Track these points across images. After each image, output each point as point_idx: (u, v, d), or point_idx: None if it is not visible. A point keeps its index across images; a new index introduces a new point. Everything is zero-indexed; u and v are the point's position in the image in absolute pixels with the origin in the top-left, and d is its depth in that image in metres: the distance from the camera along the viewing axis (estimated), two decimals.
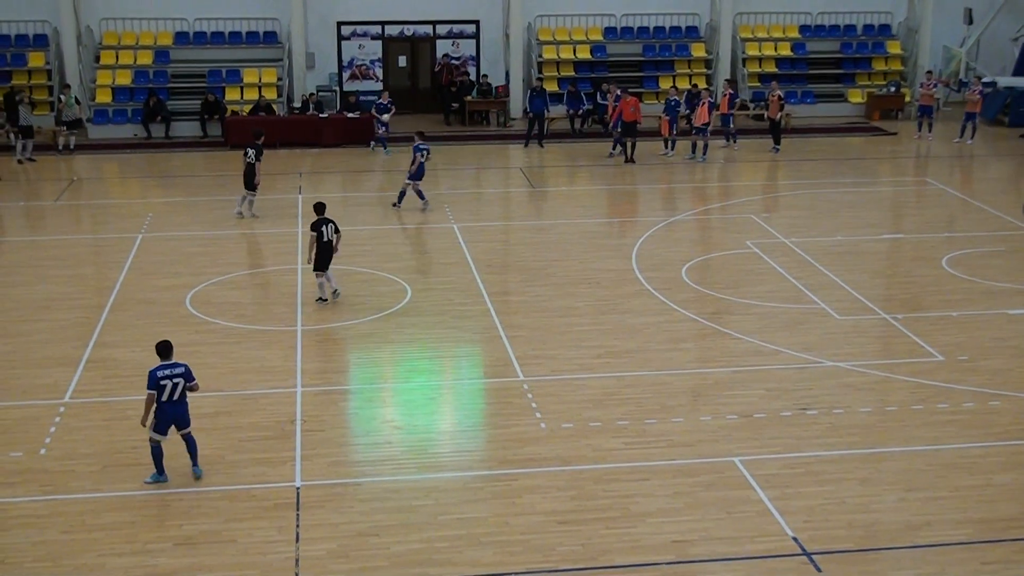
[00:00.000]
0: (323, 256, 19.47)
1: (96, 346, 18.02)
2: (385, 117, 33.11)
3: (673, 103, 32.79)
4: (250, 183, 25.35)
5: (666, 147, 32.72)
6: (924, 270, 22.00)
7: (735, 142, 33.50)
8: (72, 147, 33.24)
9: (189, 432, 13.56)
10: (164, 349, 13.58)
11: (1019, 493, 13.38)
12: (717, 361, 17.52)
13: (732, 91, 34.01)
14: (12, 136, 32.54)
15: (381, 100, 33.56)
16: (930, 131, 35.19)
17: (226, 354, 17.67)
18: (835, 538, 12.39)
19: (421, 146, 25.86)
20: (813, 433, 14.95)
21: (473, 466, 14.29)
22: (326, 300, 19.77)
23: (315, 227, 19.51)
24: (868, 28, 40.48)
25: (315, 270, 19.57)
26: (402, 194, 26.27)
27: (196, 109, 35.70)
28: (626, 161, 31.62)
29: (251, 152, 25.37)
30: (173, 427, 13.40)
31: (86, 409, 15.68)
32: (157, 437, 13.35)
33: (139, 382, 16.46)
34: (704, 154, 32.34)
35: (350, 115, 34.94)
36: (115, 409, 15.65)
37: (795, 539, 12.36)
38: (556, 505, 13.10)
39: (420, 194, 26.11)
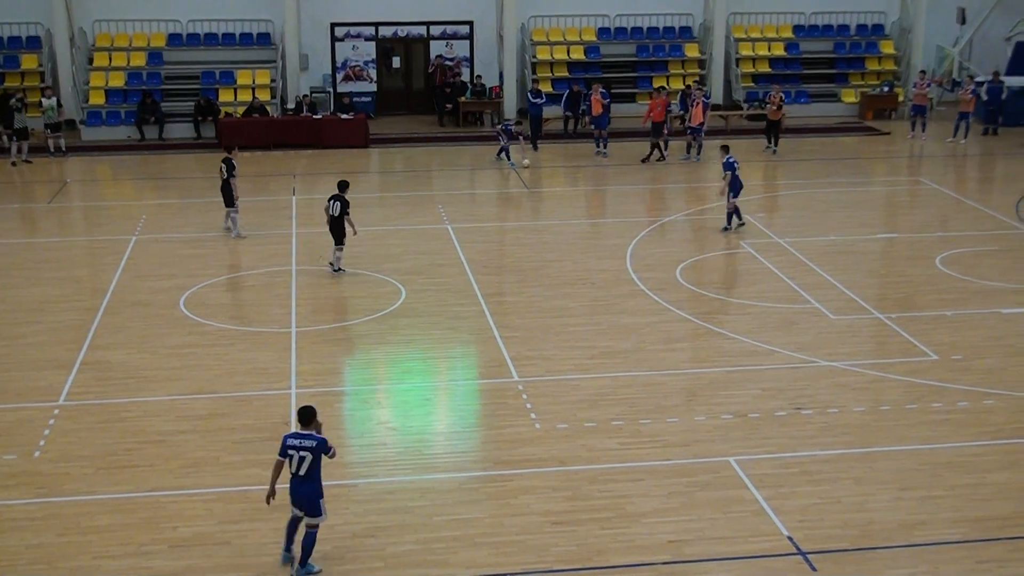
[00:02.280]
0: (331, 229, 21.36)
1: (90, 348, 18.02)
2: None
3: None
4: (229, 200, 24.45)
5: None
6: (918, 269, 22.04)
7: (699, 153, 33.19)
8: (64, 149, 33.20)
9: (315, 527, 11.71)
10: (303, 415, 11.73)
11: (1014, 492, 13.41)
12: (712, 361, 17.55)
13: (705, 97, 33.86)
14: (6, 138, 32.55)
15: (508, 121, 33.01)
16: (924, 131, 35.24)
17: (220, 356, 17.67)
18: (830, 537, 12.41)
19: (734, 161, 24.27)
20: (808, 433, 14.97)
21: (468, 467, 14.30)
22: (336, 270, 21.52)
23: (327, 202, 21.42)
24: (861, 28, 40.55)
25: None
26: (731, 215, 24.56)
27: (190, 111, 35.68)
28: (658, 159, 31.96)
29: (224, 168, 24.37)
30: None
31: (80, 411, 15.66)
32: (293, 510, 11.77)
33: (133, 384, 16.58)
34: (699, 154, 32.40)
35: (344, 116, 34.95)
36: (109, 411, 15.64)
37: (790, 538, 12.38)
38: (551, 506, 13.12)
39: (738, 213, 24.53)
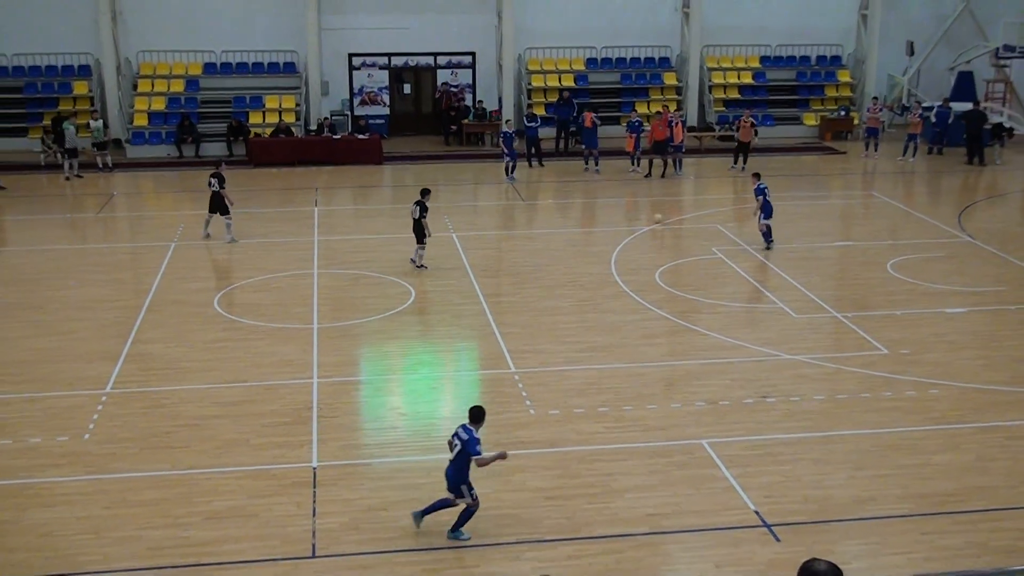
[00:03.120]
0: (414, 230, 21.96)
1: (134, 342, 18.01)
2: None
3: (636, 123, 32.89)
4: (224, 209, 24.39)
5: (633, 164, 32.80)
6: (871, 273, 22.05)
7: (678, 167, 33.18)
8: (111, 165, 33.18)
9: (450, 500, 11.82)
10: (473, 413, 11.76)
11: (955, 471, 13.43)
12: (687, 355, 17.55)
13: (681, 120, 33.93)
14: (59, 156, 32.55)
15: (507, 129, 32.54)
16: (876, 150, 35.25)
17: (249, 349, 17.67)
18: (792, 511, 12.43)
19: (765, 187, 23.61)
20: (772, 418, 14.98)
21: None
22: (419, 266, 21.91)
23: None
24: (821, 59, 40.58)
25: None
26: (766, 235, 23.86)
27: (223, 131, 35.69)
28: (662, 176, 31.89)
29: (213, 181, 24.35)
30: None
31: (125, 398, 15.67)
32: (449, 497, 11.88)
33: (173, 375, 16.57)
34: (678, 168, 32.43)
35: (360, 136, 34.96)
36: (151, 398, 15.64)
37: (757, 512, 12.39)
38: (544, 483, 13.13)
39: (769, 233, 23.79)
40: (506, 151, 31.64)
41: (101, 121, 33.77)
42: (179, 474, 13.38)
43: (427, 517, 12.00)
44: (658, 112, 34.38)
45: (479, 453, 11.56)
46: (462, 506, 11.83)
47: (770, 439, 14.35)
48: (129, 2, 36.54)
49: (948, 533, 12.01)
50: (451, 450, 11.77)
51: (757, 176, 24.30)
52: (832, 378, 16.48)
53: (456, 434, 11.76)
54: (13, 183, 30.97)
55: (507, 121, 33.26)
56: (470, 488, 11.80)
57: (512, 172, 31.56)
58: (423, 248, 22.02)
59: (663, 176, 31.91)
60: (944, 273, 21.92)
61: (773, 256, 22.92)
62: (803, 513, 12.41)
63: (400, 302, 20.08)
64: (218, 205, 24.47)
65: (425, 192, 22.39)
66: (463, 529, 11.89)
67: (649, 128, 33.19)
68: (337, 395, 15.91)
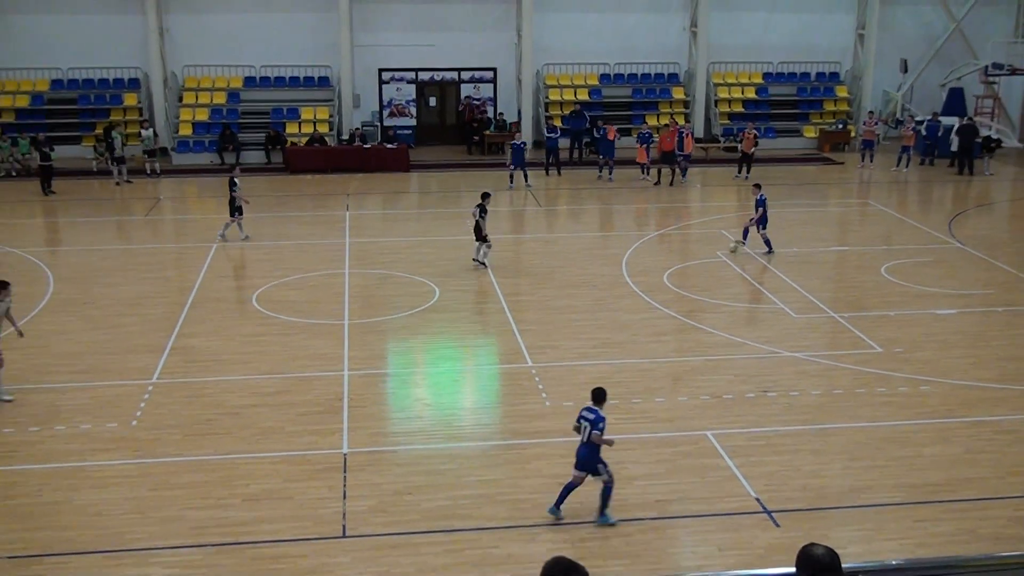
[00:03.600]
0: (475, 230, 22.18)
1: (178, 336, 18.08)
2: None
3: (646, 135, 32.83)
4: (233, 210, 24.62)
5: (643, 172, 32.71)
6: (866, 276, 21.93)
7: (683, 175, 33.07)
8: (159, 172, 33.32)
9: (574, 483, 11.89)
10: (595, 395, 11.97)
11: (945, 463, 13.35)
12: (693, 351, 17.50)
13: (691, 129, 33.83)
14: (110, 162, 32.70)
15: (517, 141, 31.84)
16: (871, 161, 35.07)
17: (285, 343, 17.70)
18: (790, 499, 12.38)
19: (765, 199, 23.19)
20: (772, 411, 14.92)
21: (490, 437, 14.31)
22: (480, 264, 22.02)
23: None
24: (820, 75, 40.40)
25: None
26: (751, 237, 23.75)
27: (261, 140, 35.79)
28: (670, 184, 31.78)
29: (230, 185, 24.70)
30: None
31: (170, 388, 15.73)
32: (574, 472, 11.91)
33: (214, 366, 16.61)
34: (684, 176, 32.36)
35: (389, 146, 34.99)
36: (194, 388, 15.70)
37: (757, 499, 12.34)
38: (559, 470, 13.06)
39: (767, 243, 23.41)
40: (511, 162, 31.40)
41: (152, 130, 33.95)
42: (219, 459, 13.42)
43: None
44: (666, 124, 34.34)
45: (601, 431, 11.66)
46: (599, 488, 11.80)
47: (770, 431, 14.29)
48: (176, 20, 36.69)
49: (939, 521, 11.94)
50: (580, 433, 11.81)
51: (758, 187, 23.92)
52: (829, 374, 16.39)
53: (582, 416, 11.83)
54: (67, 188, 31.13)
55: (516, 134, 33.02)
56: (604, 465, 11.79)
57: (512, 182, 31.35)
58: (488, 246, 22.17)
59: (671, 184, 31.81)
60: (935, 277, 21.78)
61: (774, 259, 22.82)
62: (801, 500, 12.35)
63: (425, 300, 20.09)
64: (230, 206, 24.75)
65: (485, 195, 22.43)
66: (608, 512, 11.81)
67: (658, 139, 33.17)
68: (366, 386, 15.92)
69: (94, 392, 15.59)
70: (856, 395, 15.51)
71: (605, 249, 24.68)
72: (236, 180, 24.72)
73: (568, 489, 11.89)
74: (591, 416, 11.75)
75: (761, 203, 23.30)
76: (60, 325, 18.66)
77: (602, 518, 11.84)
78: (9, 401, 15.05)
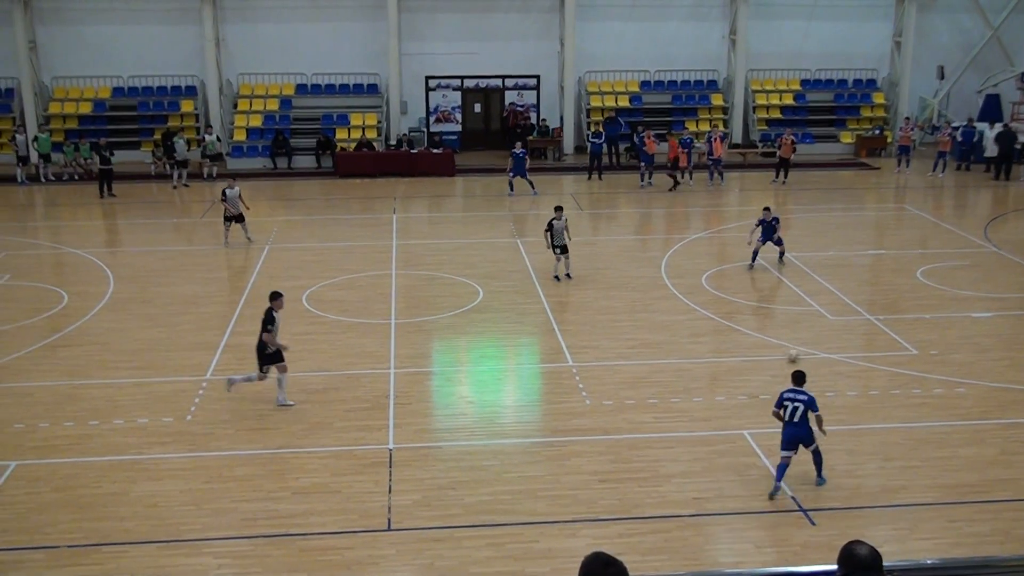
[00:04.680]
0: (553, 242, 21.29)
1: (232, 334, 18.24)
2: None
3: (688, 140, 32.65)
4: (238, 217, 24.71)
5: (684, 176, 32.50)
6: (902, 280, 21.64)
7: (722, 178, 32.90)
8: (215, 175, 33.70)
9: (816, 448, 12.42)
10: (797, 377, 12.51)
11: (979, 464, 13.13)
12: (730, 352, 17.37)
13: (722, 136, 33.53)
14: (169, 167, 33.11)
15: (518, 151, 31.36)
16: (908, 166, 34.63)
17: (334, 341, 17.80)
18: (826, 498, 12.24)
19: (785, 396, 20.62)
20: None
21: (531, 434, 14.29)
22: (557, 279, 21.28)
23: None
24: (857, 82, 39.94)
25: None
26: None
27: (312, 146, 36.02)
28: (670, 189, 31.64)
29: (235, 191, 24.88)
30: (800, 446, 12.33)
31: (223, 385, 15.84)
32: (783, 453, 12.31)
33: None
34: (722, 179, 32.16)
35: (435, 151, 35.08)
36: (247, 385, 15.79)
37: (793, 498, 12.22)
38: (598, 467, 13.06)
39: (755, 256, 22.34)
40: (511, 169, 31.02)
41: (215, 135, 34.40)
42: (270, 453, 13.52)
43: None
44: (669, 133, 33.83)
45: (818, 409, 12.32)
46: (811, 456, 12.51)
47: None
48: (231, 29, 37.06)
49: (974, 521, 11.75)
50: (791, 414, 12.27)
51: (767, 210, 22.17)
52: (864, 376, 16.19)
53: (790, 399, 12.31)
54: (127, 191, 31.56)
55: (517, 144, 32.58)
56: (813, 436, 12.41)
57: (512, 189, 30.99)
58: (562, 258, 21.30)
59: (642, 185, 31.50)
60: (971, 280, 21.45)
61: (811, 263, 22.57)
62: (836, 500, 12.21)
63: (469, 301, 20.11)
64: (225, 215, 24.63)
65: (558, 208, 21.59)
66: (824, 474, 12.56)
67: (701, 145, 32.93)
68: (412, 384, 15.97)
69: (151, 388, 15.77)
70: (891, 396, 15.31)
71: (644, 252, 24.57)
72: (227, 191, 24.60)
73: (782, 470, 12.32)
74: (805, 397, 12.27)
75: (763, 224, 21.92)
76: (119, 323, 18.90)
77: (820, 480, 12.52)
78: (291, 406, 14.99)
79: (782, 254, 22.47)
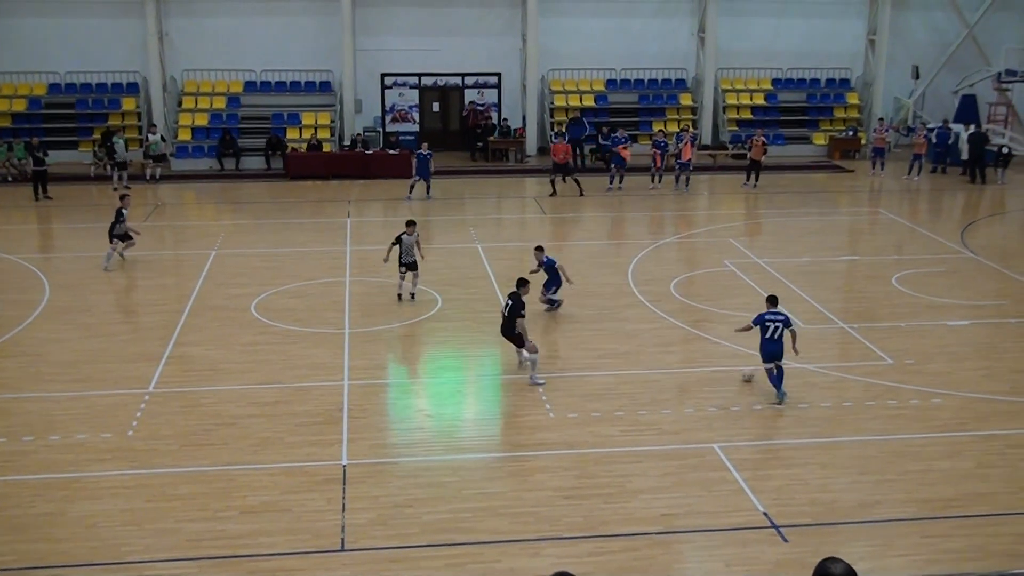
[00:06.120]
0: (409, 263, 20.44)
1: (176, 344, 18.07)
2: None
3: (661, 142, 32.84)
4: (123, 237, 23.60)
5: (652, 181, 32.67)
6: (877, 287, 21.90)
7: (687, 185, 32.93)
8: (158, 177, 33.44)
9: (781, 363, 15.49)
10: (772, 299, 15.97)
11: (956, 478, 13.29)
12: (700, 362, 17.47)
13: (692, 138, 33.65)
14: (109, 168, 32.80)
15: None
16: (882, 169, 35.11)
17: (284, 352, 17.70)
18: (799, 514, 12.33)
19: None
20: (781, 424, 14.89)
21: (492, 449, 14.28)
22: (400, 298, 20.45)
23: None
24: (830, 81, 40.44)
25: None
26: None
27: (262, 146, 35.86)
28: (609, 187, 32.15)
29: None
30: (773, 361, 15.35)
31: (167, 398, 15.70)
32: (766, 365, 15.48)
33: (212, 376, 16.59)
34: (687, 185, 32.36)
35: (391, 152, 35.04)
36: (191, 398, 15.67)
37: (765, 514, 12.30)
38: (562, 483, 13.07)
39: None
40: (416, 172, 30.79)
41: (159, 135, 34.12)
42: (217, 470, 13.40)
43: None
44: (560, 134, 33.94)
45: (792, 325, 15.63)
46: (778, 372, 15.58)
47: (778, 444, 14.27)
48: (175, 23, 36.82)
49: (950, 537, 11.89)
50: (772, 333, 15.39)
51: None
52: (838, 386, 16.35)
53: (771, 320, 15.45)
54: (64, 193, 31.21)
55: (423, 144, 32.38)
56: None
57: (412, 191, 30.78)
58: (408, 275, 20.49)
59: (609, 188, 31.71)
60: (947, 287, 21.75)
61: (783, 269, 22.79)
62: (810, 515, 12.30)
63: (428, 309, 20.07)
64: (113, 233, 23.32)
65: (410, 223, 20.78)
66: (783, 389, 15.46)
67: (670, 147, 33.08)
68: (366, 396, 15.91)
69: (90, 401, 15.59)
70: (866, 407, 15.47)
71: (611, 257, 24.67)
72: (124, 211, 23.42)
73: (774, 378, 15.45)
74: (782, 318, 15.43)
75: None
76: (56, 333, 18.67)
77: (781, 394, 15.35)
78: (542, 384, 16.14)
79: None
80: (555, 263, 19.70)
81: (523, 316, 16.33)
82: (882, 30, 38.75)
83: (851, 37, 39.92)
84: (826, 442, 14.32)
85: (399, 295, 20.61)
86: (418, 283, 20.69)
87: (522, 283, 16.78)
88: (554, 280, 19.84)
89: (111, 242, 23.07)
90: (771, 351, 15.37)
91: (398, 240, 20.46)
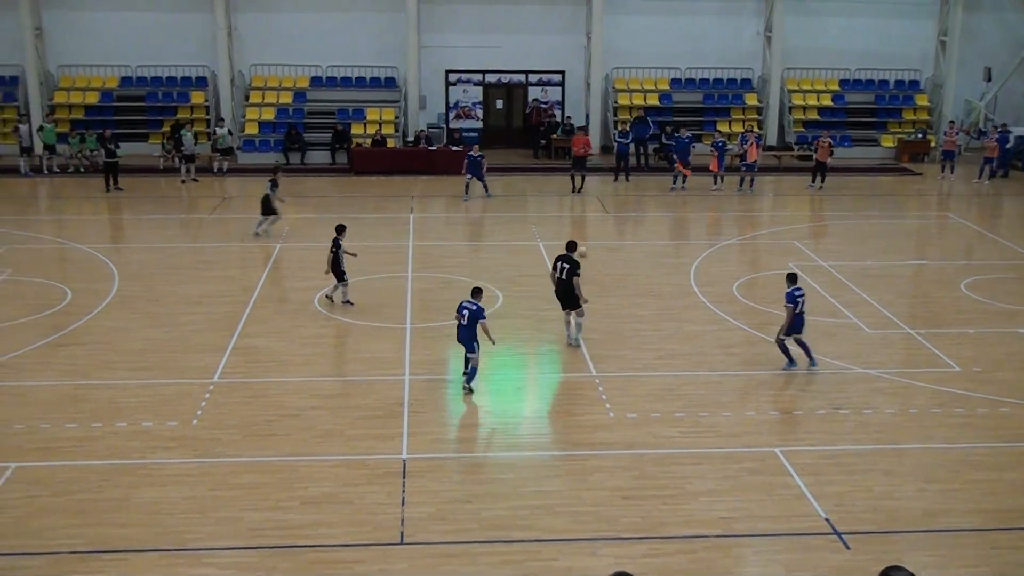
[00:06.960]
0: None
1: (240, 336, 18.31)
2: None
3: (720, 143, 32.56)
4: (267, 210, 25.30)
5: (715, 182, 32.40)
6: (945, 292, 21.52)
7: (751, 186, 32.59)
8: (225, 170, 33.90)
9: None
10: (792, 276, 16.77)
11: None
12: (762, 365, 17.29)
13: (758, 139, 33.27)
14: (177, 160, 33.32)
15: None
16: (952, 172, 34.50)
17: (346, 346, 17.84)
18: (862, 520, 12.16)
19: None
20: (844, 429, 14.69)
21: (551, 447, 14.27)
22: (331, 299, 20.02)
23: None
24: (899, 83, 39.81)
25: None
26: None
27: (327, 141, 36.18)
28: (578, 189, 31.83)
29: (268, 184, 25.58)
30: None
31: (231, 388, 15.92)
32: (796, 336, 16.58)
33: (274, 367, 16.77)
34: (752, 186, 32.08)
35: (454, 148, 35.15)
36: (255, 389, 15.87)
37: (827, 520, 12.16)
38: (621, 483, 13.03)
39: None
40: (468, 172, 30.48)
41: (227, 128, 34.63)
42: (279, 460, 13.55)
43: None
44: (582, 128, 33.63)
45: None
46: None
47: (841, 449, 14.07)
48: (244, 19, 37.29)
49: (1018, 548, 11.65)
50: (801, 306, 16.43)
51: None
52: (904, 392, 16.10)
53: (801, 296, 16.48)
54: (134, 185, 31.77)
55: (474, 147, 32.15)
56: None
57: (468, 191, 30.52)
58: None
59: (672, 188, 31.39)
60: (1017, 294, 21.30)
61: (848, 272, 22.48)
62: (873, 523, 12.13)
63: (488, 306, 20.07)
64: (267, 207, 25.30)
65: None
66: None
67: (733, 147, 32.82)
68: (427, 392, 15.97)
69: (156, 390, 15.85)
70: (932, 415, 15.22)
71: (673, 258, 24.53)
72: (277, 182, 25.55)
73: (807, 348, 16.70)
74: (802, 291, 16.58)
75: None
76: (123, 322, 19.01)
77: (813, 362, 16.71)
78: (578, 346, 17.33)
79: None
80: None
81: (578, 274, 17.33)
82: (953, 31, 38.05)
83: (921, 38, 39.26)
84: (890, 449, 14.11)
85: (328, 296, 20.18)
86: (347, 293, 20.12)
87: (573, 246, 17.69)
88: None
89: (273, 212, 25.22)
90: (800, 322, 16.45)
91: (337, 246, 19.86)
